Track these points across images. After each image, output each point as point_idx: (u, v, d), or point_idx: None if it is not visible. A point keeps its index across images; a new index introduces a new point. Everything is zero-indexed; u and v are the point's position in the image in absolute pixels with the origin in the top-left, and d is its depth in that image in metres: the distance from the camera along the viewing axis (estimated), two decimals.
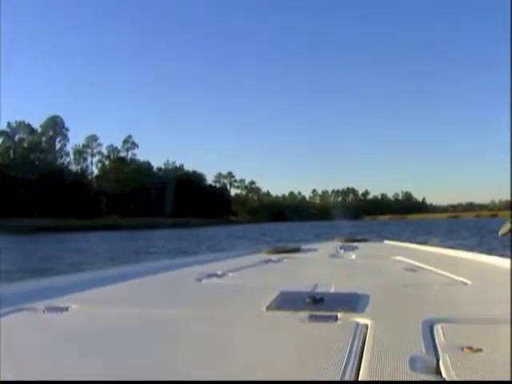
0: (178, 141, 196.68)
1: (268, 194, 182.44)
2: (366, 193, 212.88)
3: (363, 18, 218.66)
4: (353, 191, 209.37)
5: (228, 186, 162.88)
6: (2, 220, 77.36)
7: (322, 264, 5.22)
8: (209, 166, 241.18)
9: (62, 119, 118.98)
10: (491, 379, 1.72)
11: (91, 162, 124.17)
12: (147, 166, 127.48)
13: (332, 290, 3.36)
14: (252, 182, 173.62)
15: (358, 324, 2.42)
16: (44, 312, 2.75)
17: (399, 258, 5.38)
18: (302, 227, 72.27)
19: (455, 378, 1.73)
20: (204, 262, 5.27)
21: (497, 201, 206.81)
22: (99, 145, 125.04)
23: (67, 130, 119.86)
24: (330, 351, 1.99)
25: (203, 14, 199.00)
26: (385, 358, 1.91)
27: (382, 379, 1.72)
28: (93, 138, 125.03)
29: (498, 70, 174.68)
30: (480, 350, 1.97)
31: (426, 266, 4.55)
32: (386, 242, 8.21)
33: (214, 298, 3.22)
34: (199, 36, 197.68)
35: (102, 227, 75.53)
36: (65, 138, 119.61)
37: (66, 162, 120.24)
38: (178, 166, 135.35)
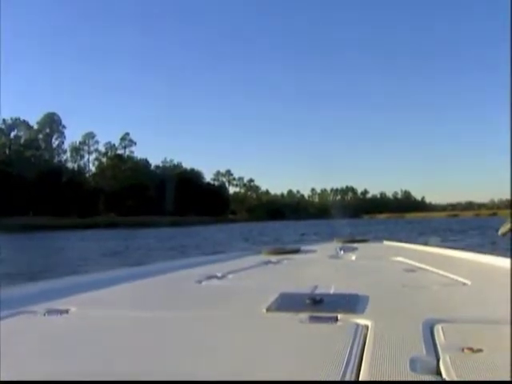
0: (176, 139, 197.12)
1: (267, 192, 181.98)
2: (365, 192, 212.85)
3: (363, 18, 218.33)
4: (352, 190, 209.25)
5: (227, 184, 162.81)
6: None
7: (321, 265, 5.22)
8: (207, 165, 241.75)
9: (58, 116, 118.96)
10: (491, 380, 1.71)
11: (88, 159, 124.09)
12: (145, 164, 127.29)
13: (332, 291, 3.37)
14: (251, 180, 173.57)
15: (358, 325, 2.42)
16: (44, 315, 2.75)
17: (399, 258, 5.41)
18: (300, 226, 72.12)
19: (455, 379, 1.74)
20: (203, 263, 5.29)
21: (496, 200, 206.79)
22: (96, 142, 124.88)
23: (64, 127, 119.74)
24: (330, 352, 2.00)
25: (203, 14, 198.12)
26: (385, 359, 1.91)
27: (382, 380, 1.74)
28: (90, 136, 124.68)
29: (498, 70, 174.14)
30: (480, 350, 1.97)
31: (426, 267, 4.56)
32: (386, 242, 8.18)
33: (214, 300, 3.25)
34: (198, 36, 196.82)
35: (99, 225, 75.42)
36: (62, 135, 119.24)
37: (62, 160, 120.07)
38: (176, 163, 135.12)
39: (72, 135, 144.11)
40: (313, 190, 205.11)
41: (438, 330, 2.31)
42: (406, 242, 8.31)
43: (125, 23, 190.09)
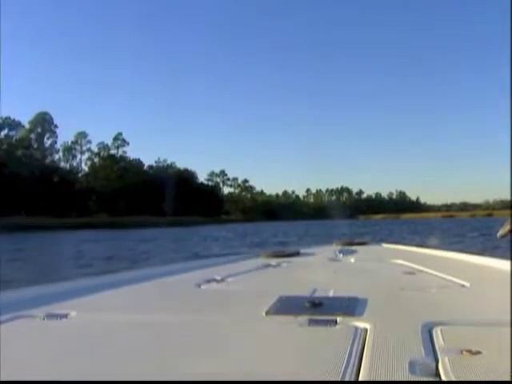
0: (170, 139, 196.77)
1: (262, 192, 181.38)
2: (360, 192, 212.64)
3: (361, 18, 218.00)
4: (347, 190, 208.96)
5: (221, 185, 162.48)
6: None
7: (320, 268, 5.24)
8: (201, 165, 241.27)
9: (50, 116, 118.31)
10: (491, 381, 1.74)
11: (80, 159, 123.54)
12: (138, 164, 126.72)
13: (331, 294, 3.40)
14: (245, 181, 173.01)
15: (357, 328, 2.44)
16: (43, 319, 2.77)
17: (398, 261, 5.45)
18: (295, 227, 71.68)
19: (455, 381, 1.76)
20: (202, 267, 5.32)
21: (491, 200, 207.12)
22: (89, 142, 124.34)
23: (56, 126, 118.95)
24: (330, 355, 2.02)
25: (198, 14, 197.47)
26: (384, 362, 1.93)
27: (381, 381, 1.76)
28: (82, 135, 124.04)
29: (497, 70, 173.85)
30: (479, 352, 1.98)
31: (425, 269, 4.59)
32: (385, 245, 8.17)
33: (213, 304, 3.27)
34: (194, 36, 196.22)
35: (90, 226, 75.08)
36: (54, 134, 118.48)
37: (55, 159, 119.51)
38: (169, 163, 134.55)
39: (65, 135, 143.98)
40: (308, 190, 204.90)
41: (437, 333, 2.30)
42: (405, 244, 8.41)
43: (119, 22, 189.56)
